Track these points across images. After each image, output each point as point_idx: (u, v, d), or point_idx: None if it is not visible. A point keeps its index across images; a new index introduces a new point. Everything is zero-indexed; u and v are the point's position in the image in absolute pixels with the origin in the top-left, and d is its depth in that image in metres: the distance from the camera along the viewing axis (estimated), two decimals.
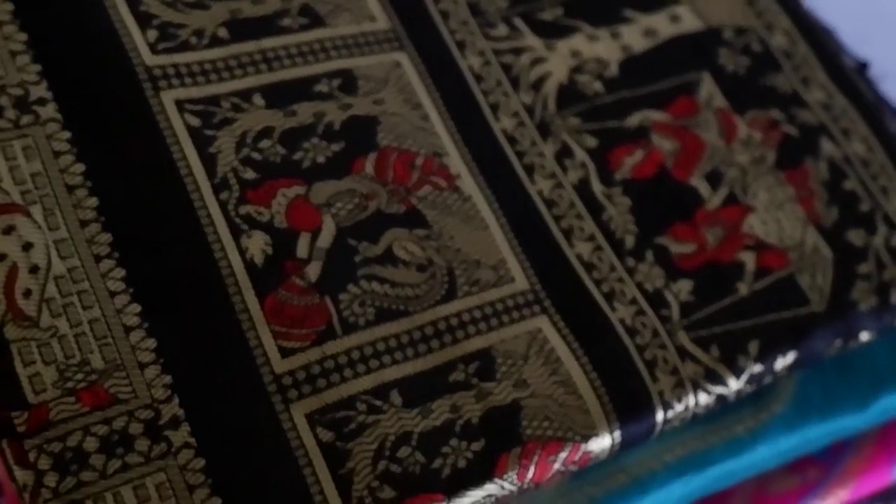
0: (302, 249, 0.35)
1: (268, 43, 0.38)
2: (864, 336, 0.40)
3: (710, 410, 0.37)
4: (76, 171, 0.34)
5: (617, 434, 0.35)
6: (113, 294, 0.33)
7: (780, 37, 0.45)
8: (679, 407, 0.36)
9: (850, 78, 0.44)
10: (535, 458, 0.34)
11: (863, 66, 0.46)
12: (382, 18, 0.40)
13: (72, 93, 0.35)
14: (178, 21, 0.37)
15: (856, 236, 0.41)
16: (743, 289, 0.39)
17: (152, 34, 0.37)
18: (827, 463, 0.43)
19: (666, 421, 0.36)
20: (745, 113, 0.42)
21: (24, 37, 0.35)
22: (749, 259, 0.39)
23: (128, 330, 0.32)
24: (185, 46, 0.37)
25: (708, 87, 0.42)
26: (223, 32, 0.38)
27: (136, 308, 0.33)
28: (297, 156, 0.36)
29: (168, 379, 0.32)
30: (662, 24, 0.44)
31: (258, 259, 0.34)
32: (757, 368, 0.37)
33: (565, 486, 0.38)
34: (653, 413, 0.36)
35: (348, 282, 0.35)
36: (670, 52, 0.43)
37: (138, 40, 0.36)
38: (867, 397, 0.41)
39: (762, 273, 0.39)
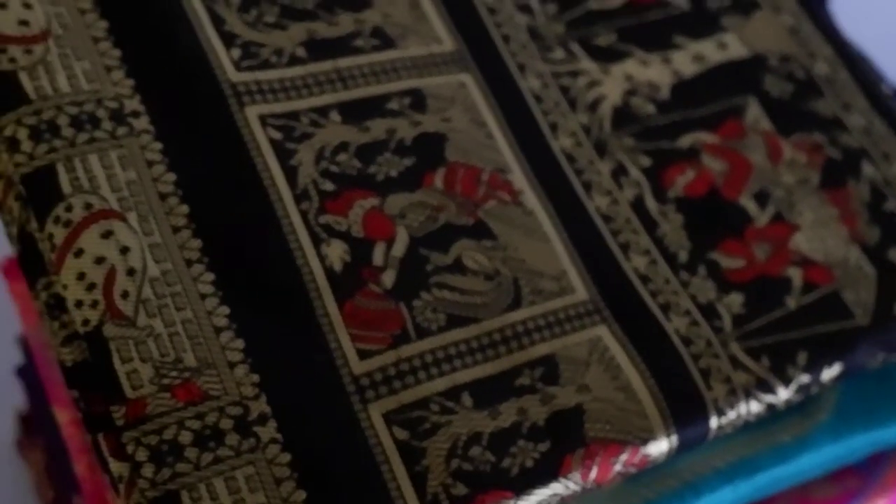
0: (378, 258, 0.37)
1: (343, 62, 0.40)
2: None
3: (759, 418, 0.39)
4: (168, 180, 0.36)
5: (674, 438, 0.37)
6: (203, 297, 0.34)
7: (822, 64, 0.47)
8: (732, 414, 0.38)
9: (889, 104, 0.46)
10: (598, 460, 0.36)
11: None
12: (448, 41, 0.42)
13: (163, 106, 0.37)
14: (260, 40, 0.39)
15: None
16: (791, 302, 0.40)
17: (236, 52, 0.39)
18: (866, 473, 0.45)
19: (719, 427, 0.38)
20: (789, 136, 0.44)
21: (118, 53, 0.37)
22: (796, 274, 0.41)
23: (218, 331, 0.34)
24: (266, 64, 0.39)
25: (754, 111, 0.44)
26: (301, 52, 0.39)
27: (225, 310, 0.34)
28: (372, 169, 0.38)
29: (256, 378, 0.34)
30: (711, 51, 0.46)
31: (337, 266, 0.36)
32: (805, 378, 0.39)
33: (620, 488, 0.39)
34: (707, 419, 0.37)
35: (421, 289, 0.37)
36: (718, 78, 0.45)
37: (223, 58, 0.38)
38: None
39: (808, 288, 0.41)
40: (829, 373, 0.40)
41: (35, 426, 0.47)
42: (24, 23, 0.36)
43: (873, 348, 0.41)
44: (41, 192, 0.34)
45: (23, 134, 0.35)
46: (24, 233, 0.35)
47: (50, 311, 0.35)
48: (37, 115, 0.35)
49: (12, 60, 0.36)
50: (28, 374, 0.46)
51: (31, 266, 0.35)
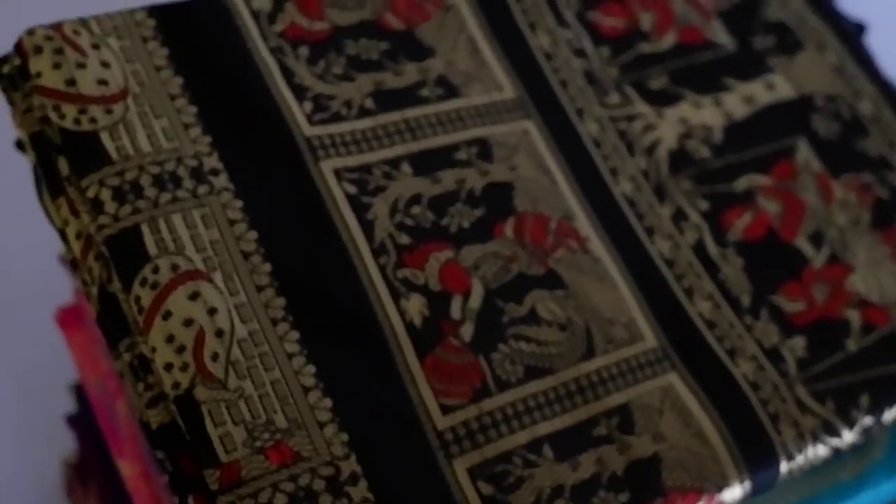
0: (455, 311, 0.37)
1: (411, 113, 0.40)
2: None
3: (823, 460, 0.40)
4: (250, 237, 0.36)
5: (747, 484, 0.37)
6: (290, 356, 0.35)
7: (867, 103, 0.47)
8: (800, 458, 0.38)
9: None
10: None
11: None
12: (509, 87, 0.42)
13: (241, 163, 0.37)
14: (329, 93, 0.39)
15: None
16: (851, 345, 0.41)
17: (308, 106, 0.39)
18: None
19: (789, 471, 0.38)
20: (839, 176, 0.45)
21: (194, 109, 0.37)
22: (854, 316, 0.42)
23: (306, 390, 0.34)
24: (337, 117, 0.39)
25: (804, 152, 0.45)
26: (370, 103, 0.40)
27: (312, 369, 0.35)
28: (445, 221, 0.39)
29: (345, 437, 0.34)
30: (760, 92, 0.46)
31: (417, 320, 0.36)
32: (868, 421, 0.40)
33: None
34: (777, 464, 0.38)
35: (499, 341, 0.37)
36: (768, 119, 0.46)
37: (296, 112, 0.38)
38: None
39: (867, 329, 0.42)
40: (891, 414, 0.40)
41: (88, 474, 0.46)
42: (103, 82, 0.36)
43: None
44: (127, 253, 0.34)
45: (106, 195, 0.35)
46: (105, 293, 0.35)
47: (134, 372, 0.35)
48: (120, 175, 0.35)
49: (93, 121, 0.36)
50: (81, 422, 0.46)
51: (113, 326, 0.35)
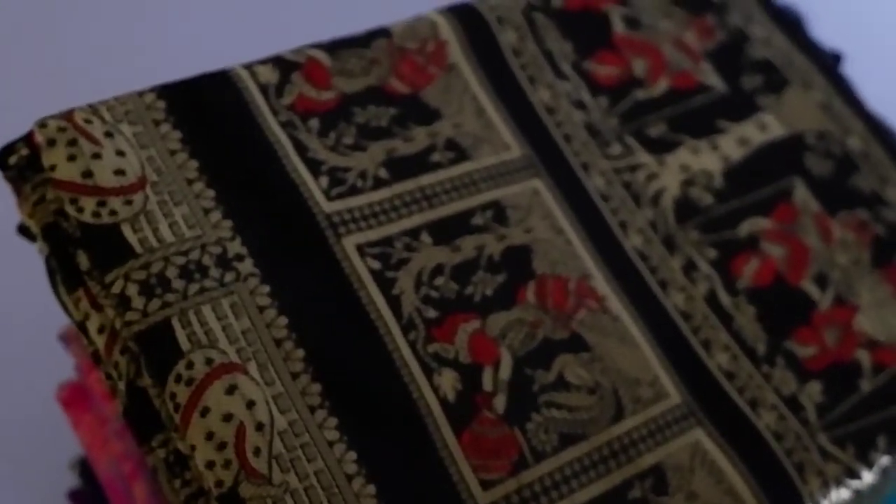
0: (487, 382, 0.37)
1: (425, 180, 0.40)
2: None
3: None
4: (280, 324, 0.35)
5: None
6: (331, 444, 0.34)
7: (855, 139, 0.48)
8: None
9: None
10: None
11: None
12: (515, 146, 0.42)
13: (264, 246, 0.36)
14: (344, 165, 0.39)
15: None
16: (865, 386, 0.42)
17: (324, 181, 0.38)
18: None
19: None
20: (835, 215, 0.46)
21: (212, 193, 0.36)
22: (865, 357, 0.42)
23: (349, 478, 0.34)
24: (354, 190, 0.38)
25: (801, 192, 0.46)
26: (384, 173, 0.39)
27: (353, 455, 0.34)
28: (469, 290, 0.38)
29: None
30: (753, 133, 0.46)
31: (450, 396, 0.36)
32: (885, 461, 0.41)
33: None
34: None
35: (531, 410, 0.37)
36: (764, 160, 0.46)
37: (313, 188, 0.38)
38: None
39: (878, 369, 0.42)
40: None
41: None
42: (120, 172, 0.35)
43: None
44: (159, 350, 0.33)
45: (133, 290, 0.34)
46: (134, 388, 0.34)
47: (170, 468, 0.34)
48: (145, 269, 0.34)
49: (113, 213, 0.35)
50: (85, 499, 0.45)
51: (143, 421, 0.34)
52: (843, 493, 0.40)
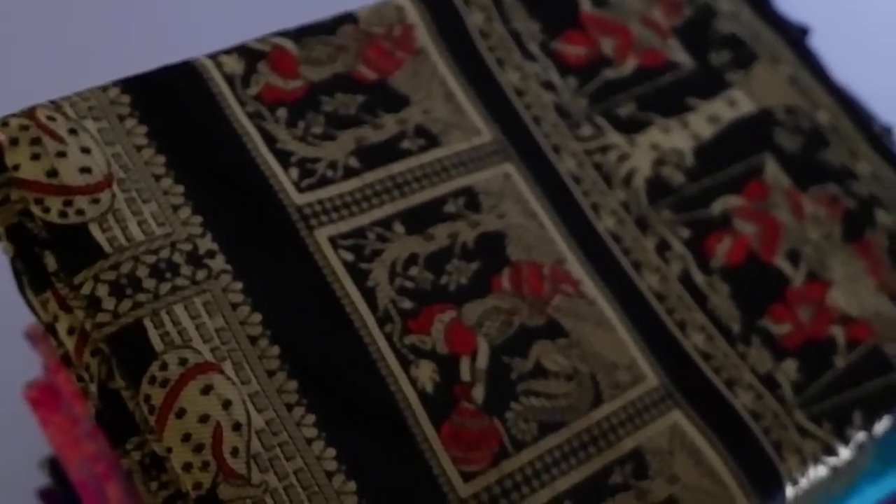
0: (465, 373, 0.36)
1: (395, 168, 0.39)
2: None
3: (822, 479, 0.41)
4: (254, 321, 0.35)
5: None
6: (310, 441, 0.34)
7: (823, 113, 0.48)
8: (804, 482, 0.39)
9: (889, 147, 0.48)
10: None
11: (889, 131, 0.49)
12: (485, 131, 0.42)
13: (236, 241, 0.36)
14: (313, 155, 0.38)
15: None
16: (840, 362, 0.42)
17: (294, 172, 0.37)
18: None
19: (795, 497, 0.39)
20: (806, 190, 0.45)
21: (181, 189, 0.36)
22: (839, 333, 0.42)
23: (329, 475, 0.33)
24: (324, 181, 0.38)
25: (772, 168, 0.45)
26: (354, 162, 0.39)
27: (332, 452, 0.34)
28: (444, 279, 0.38)
29: None
30: (723, 109, 0.46)
31: (429, 388, 0.36)
32: (861, 437, 0.41)
33: None
34: (784, 491, 0.39)
35: (510, 399, 0.37)
36: (734, 136, 0.46)
37: (283, 180, 0.37)
38: None
39: (852, 345, 0.42)
40: (881, 426, 0.41)
41: None
42: (85, 170, 0.34)
43: None
44: (132, 351, 0.33)
45: (103, 291, 0.33)
46: (106, 390, 0.34)
47: (146, 471, 0.33)
48: (115, 269, 0.33)
49: (80, 212, 0.34)
50: (56, 498, 0.44)
51: (117, 424, 0.34)
52: (821, 469, 0.40)
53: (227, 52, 0.39)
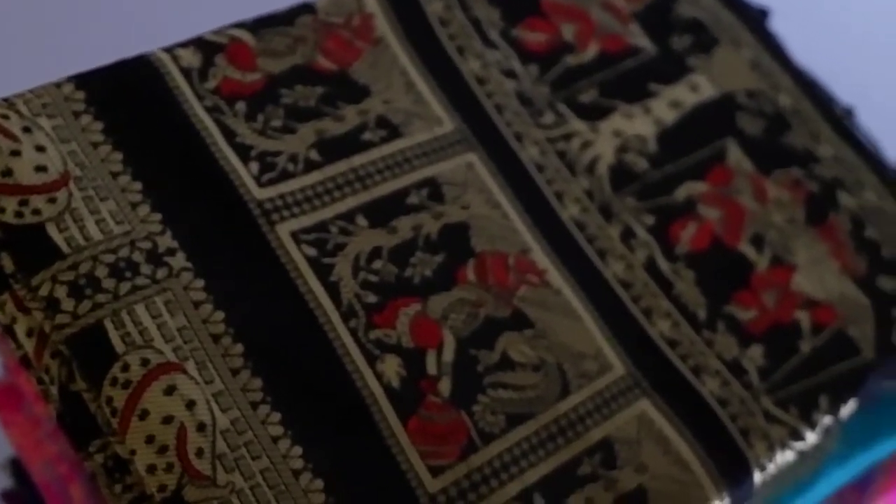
0: (431, 366, 0.36)
1: (357, 160, 0.39)
2: None
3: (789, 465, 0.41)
4: (217, 318, 0.34)
5: (727, 502, 0.38)
6: (275, 440, 0.33)
7: (785, 96, 0.48)
8: (771, 468, 0.39)
9: (849, 129, 0.48)
10: None
11: (850, 113, 0.49)
12: (447, 120, 0.41)
13: (196, 238, 0.35)
14: (273, 149, 0.37)
15: (885, 282, 0.44)
16: (805, 346, 0.42)
17: (254, 166, 0.37)
18: (861, 485, 0.47)
19: (763, 483, 0.39)
20: (769, 174, 0.45)
21: (139, 185, 0.35)
22: (804, 317, 0.42)
23: (296, 474, 0.33)
24: (285, 175, 0.37)
25: (735, 153, 0.45)
26: (315, 155, 0.38)
27: (299, 450, 0.33)
28: (408, 272, 0.37)
29: None
30: (685, 94, 0.46)
31: (394, 382, 0.35)
32: (828, 420, 0.41)
33: None
34: (751, 478, 0.39)
35: (477, 392, 0.36)
36: (697, 122, 0.46)
37: (244, 175, 0.37)
38: None
39: (817, 329, 0.42)
40: (846, 410, 0.42)
41: None
42: (41, 168, 0.34)
43: (880, 378, 0.43)
44: (92, 353, 0.32)
45: (61, 292, 0.33)
46: (67, 392, 0.33)
47: (109, 474, 0.33)
48: (73, 269, 0.33)
49: (36, 212, 0.33)
50: (19, 499, 0.44)
51: (79, 426, 0.33)
52: (788, 454, 0.40)
53: (184, 45, 0.38)
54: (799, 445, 0.40)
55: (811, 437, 0.40)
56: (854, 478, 0.45)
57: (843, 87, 0.51)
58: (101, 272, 0.33)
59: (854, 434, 0.44)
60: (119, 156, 0.35)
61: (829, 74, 0.51)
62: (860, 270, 0.44)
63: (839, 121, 0.48)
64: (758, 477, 0.39)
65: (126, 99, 0.36)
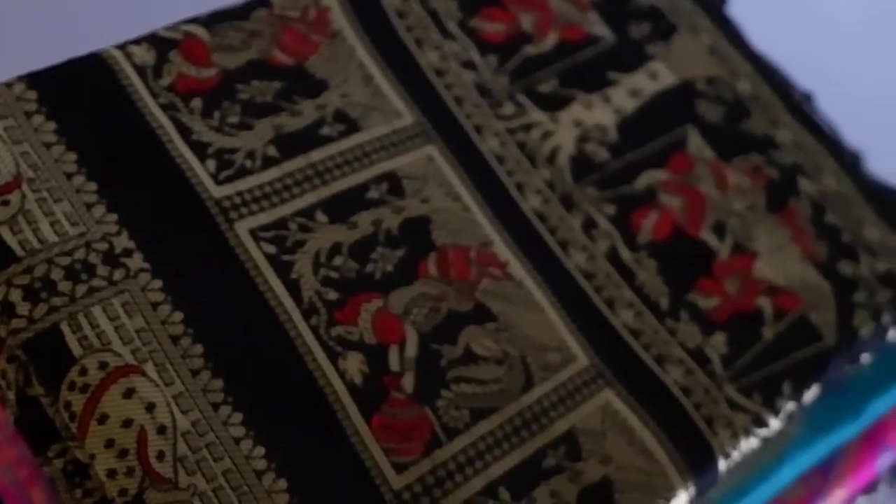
0: (394, 362, 0.36)
1: (315, 155, 0.38)
2: (865, 358, 0.44)
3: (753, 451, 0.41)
4: (175, 319, 0.34)
5: (692, 490, 0.38)
6: (237, 441, 0.33)
7: (744, 82, 0.48)
8: (736, 455, 0.39)
9: (808, 114, 0.48)
10: None
11: (808, 98, 0.50)
12: (406, 113, 0.41)
13: (153, 238, 0.35)
14: (230, 146, 0.37)
15: (846, 267, 0.45)
16: (768, 333, 0.42)
17: (211, 164, 0.36)
18: (825, 469, 0.48)
19: (728, 470, 0.39)
20: (730, 161, 0.45)
21: (94, 186, 0.35)
22: (766, 304, 0.43)
23: (259, 475, 0.33)
24: (242, 172, 0.37)
25: (695, 140, 0.45)
26: (272, 151, 0.38)
27: (261, 451, 0.33)
28: (369, 268, 0.37)
29: None
30: (644, 83, 0.46)
31: (357, 379, 0.35)
32: (791, 406, 0.41)
33: None
34: (716, 465, 0.39)
35: (441, 387, 0.36)
36: (656, 109, 0.46)
37: (200, 173, 0.36)
38: (860, 406, 0.45)
39: (780, 316, 0.42)
40: (809, 395, 0.42)
41: None
42: None
43: (842, 363, 0.43)
44: (49, 357, 0.32)
45: (16, 296, 0.32)
46: (25, 397, 0.33)
47: (69, 479, 0.32)
48: (28, 272, 0.32)
49: None
50: None
51: (37, 431, 0.33)
52: (752, 441, 0.40)
53: (137, 41, 0.38)
54: (763, 432, 0.40)
55: (775, 424, 0.40)
56: (818, 462, 0.45)
57: (801, 72, 0.52)
58: (56, 275, 0.33)
59: (817, 418, 0.44)
60: (73, 156, 0.35)
61: (787, 60, 0.51)
62: (821, 256, 0.45)
63: (798, 106, 0.48)
64: (722, 464, 0.39)
65: (79, 98, 0.36)
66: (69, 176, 0.34)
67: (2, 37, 0.62)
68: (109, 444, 0.32)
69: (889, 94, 0.69)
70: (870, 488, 0.49)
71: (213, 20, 0.39)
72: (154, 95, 0.37)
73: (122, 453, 0.31)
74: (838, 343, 0.43)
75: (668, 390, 0.39)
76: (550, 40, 0.45)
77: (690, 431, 0.39)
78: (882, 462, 0.47)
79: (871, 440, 0.48)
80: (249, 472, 0.33)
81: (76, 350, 0.32)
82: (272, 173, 0.37)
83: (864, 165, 0.48)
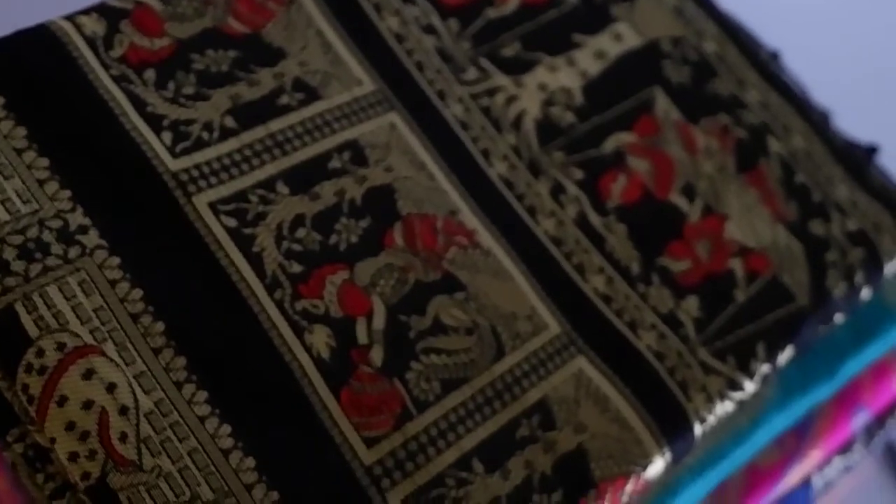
0: (362, 335, 0.35)
1: (275, 125, 0.37)
2: (839, 318, 0.43)
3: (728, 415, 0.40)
4: (135, 297, 0.33)
5: (668, 456, 0.37)
6: (203, 419, 0.32)
7: (710, 43, 0.47)
8: (711, 419, 0.39)
9: (777, 74, 0.47)
10: (609, 497, 0.36)
11: (775, 57, 0.49)
12: (367, 81, 0.40)
13: (109, 214, 0.34)
14: (186, 117, 0.36)
15: (817, 227, 0.44)
16: (740, 296, 0.41)
17: (167, 136, 0.35)
18: (800, 430, 0.47)
19: (703, 434, 0.39)
20: (697, 122, 0.45)
21: (45, 162, 0.33)
22: (738, 266, 0.42)
23: (226, 454, 0.32)
24: (200, 143, 0.36)
25: (662, 102, 0.45)
26: (230, 122, 0.37)
27: (228, 429, 0.32)
28: (333, 239, 0.36)
29: (276, 495, 0.32)
30: (609, 44, 0.45)
31: (324, 353, 0.34)
32: (766, 368, 0.40)
33: None
34: (692, 430, 0.38)
35: (410, 359, 0.35)
36: (622, 71, 0.45)
37: (156, 146, 0.35)
38: (834, 367, 0.45)
39: (752, 277, 0.42)
40: (784, 357, 0.41)
41: None
42: None
43: (815, 324, 0.42)
44: (4, 339, 0.31)
45: None
46: None
47: (30, 464, 0.31)
48: None
49: None
50: None
51: None
52: (727, 405, 0.39)
53: (86, 12, 0.37)
54: (737, 395, 0.40)
55: (749, 387, 0.40)
56: (793, 423, 0.45)
57: (768, 31, 0.51)
58: (9, 254, 0.32)
59: (791, 380, 0.44)
60: (23, 131, 0.34)
61: (753, 19, 0.50)
62: (791, 216, 0.44)
63: (765, 66, 0.48)
64: (698, 429, 0.38)
65: (27, 71, 0.35)
66: (20, 152, 0.33)
67: None
68: (70, 426, 0.31)
69: (860, 54, 0.69)
70: (845, 448, 0.49)
71: None
72: (105, 67, 0.36)
73: (84, 436, 0.31)
74: (811, 304, 0.42)
75: (642, 356, 0.39)
76: (512, 3, 0.44)
77: (665, 398, 0.38)
78: (857, 422, 0.47)
79: (845, 400, 0.48)
80: (216, 451, 0.32)
81: (32, 331, 0.31)
82: (230, 144, 0.36)
83: (832, 124, 0.47)
